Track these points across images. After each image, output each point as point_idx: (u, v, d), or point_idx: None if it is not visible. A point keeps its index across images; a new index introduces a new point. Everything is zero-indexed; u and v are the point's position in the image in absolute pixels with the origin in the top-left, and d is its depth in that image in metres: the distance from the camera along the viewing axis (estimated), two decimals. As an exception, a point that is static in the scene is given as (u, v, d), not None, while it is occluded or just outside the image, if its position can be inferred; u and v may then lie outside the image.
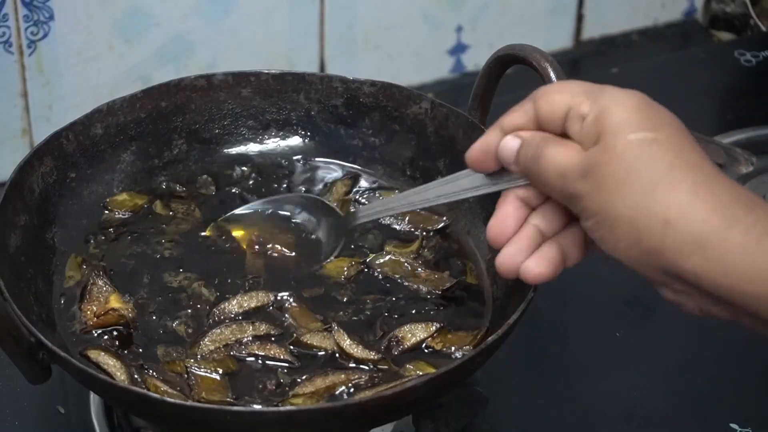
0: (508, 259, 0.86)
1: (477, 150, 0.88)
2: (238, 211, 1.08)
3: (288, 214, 1.07)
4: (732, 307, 0.78)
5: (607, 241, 0.80)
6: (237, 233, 1.07)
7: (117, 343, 0.98)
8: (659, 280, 0.80)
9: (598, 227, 0.80)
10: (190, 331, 0.99)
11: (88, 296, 1.01)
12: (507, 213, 0.86)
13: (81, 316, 1.00)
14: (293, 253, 1.05)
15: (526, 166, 0.84)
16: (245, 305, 1.00)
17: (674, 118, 0.81)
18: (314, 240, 1.06)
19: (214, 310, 1.00)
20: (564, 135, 0.83)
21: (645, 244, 0.78)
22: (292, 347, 0.97)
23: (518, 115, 0.86)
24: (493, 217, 0.87)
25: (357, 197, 1.12)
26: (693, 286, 0.78)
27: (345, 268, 1.04)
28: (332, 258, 1.04)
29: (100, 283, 1.01)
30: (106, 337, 0.98)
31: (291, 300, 1.01)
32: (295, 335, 0.98)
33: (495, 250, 1.05)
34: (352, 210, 1.08)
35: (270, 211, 1.08)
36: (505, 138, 0.86)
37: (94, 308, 1.00)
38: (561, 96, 0.83)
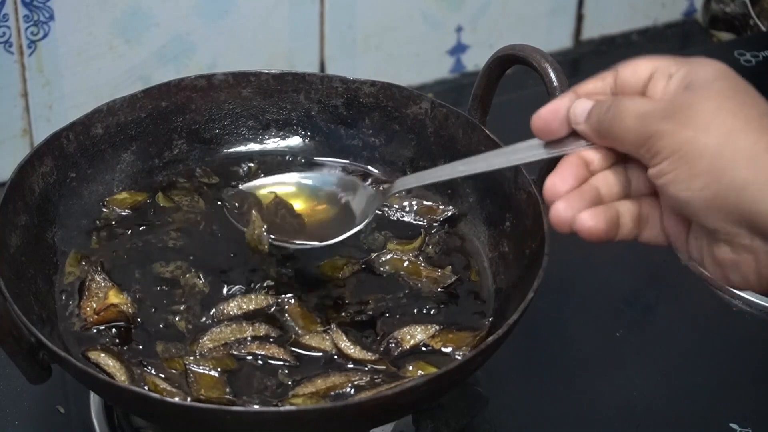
0: (562, 209, 0.83)
1: (546, 111, 0.87)
2: (261, 179, 1.06)
3: (318, 184, 1.06)
4: None
5: (682, 180, 0.78)
6: (260, 193, 1.05)
7: (117, 340, 0.98)
8: (724, 231, 0.79)
9: (675, 166, 0.79)
10: (190, 326, 0.99)
11: (87, 293, 1.01)
12: (568, 170, 0.84)
13: (81, 313, 1.00)
14: (317, 212, 1.04)
15: (599, 117, 0.83)
16: (244, 307, 1.00)
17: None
18: (345, 207, 1.04)
19: (213, 310, 1.00)
20: None
21: (726, 179, 0.77)
22: (290, 347, 0.97)
23: (595, 81, 0.86)
24: (552, 173, 0.85)
25: None
26: (762, 236, 0.77)
27: (345, 267, 1.04)
28: (363, 225, 1.01)
29: (99, 278, 1.01)
30: (106, 333, 0.98)
31: (291, 300, 1.01)
32: (294, 336, 0.98)
33: (496, 250, 1.06)
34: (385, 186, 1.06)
35: (298, 180, 1.06)
36: (578, 100, 0.86)
37: (94, 305, 1.00)
38: (647, 61, 0.84)
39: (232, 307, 1.00)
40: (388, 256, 1.05)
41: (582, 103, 0.85)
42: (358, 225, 1.01)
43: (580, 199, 0.83)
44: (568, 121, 0.86)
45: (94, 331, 0.99)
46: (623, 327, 1.16)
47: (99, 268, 1.02)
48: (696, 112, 0.78)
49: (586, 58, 1.57)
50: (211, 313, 0.99)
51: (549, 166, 0.89)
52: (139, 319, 0.99)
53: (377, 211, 1.04)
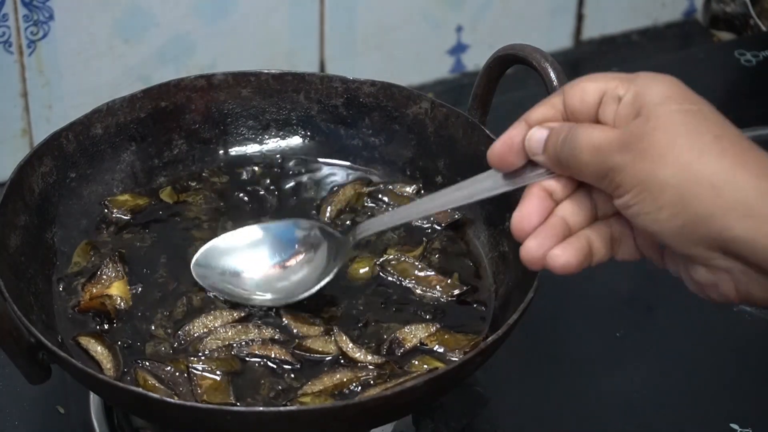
0: (533, 248, 0.83)
1: (500, 145, 0.86)
2: (226, 234, 1.05)
3: (284, 236, 1.04)
4: None
5: (648, 213, 0.78)
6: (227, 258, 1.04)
7: (108, 334, 0.98)
8: (698, 255, 0.79)
9: (638, 199, 0.78)
10: (175, 331, 0.99)
11: (96, 277, 1.02)
12: (532, 204, 0.84)
13: (82, 294, 1.01)
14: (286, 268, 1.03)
15: (556, 151, 0.82)
16: (210, 325, 0.99)
17: (705, 101, 0.81)
18: (312, 261, 1.03)
19: (179, 332, 0.98)
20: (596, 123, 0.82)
21: (692, 210, 0.76)
22: (295, 351, 0.97)
23: (545, 108, 0.85)
24: (517, 209, 0.84)
25: (367, 193, 1.12)
26: (736, 259, 0.77)
27: (370, 268, 1.05)
28: (327, 280, 1.00)
29: (112, 266, 1.02)
30: (98, 321, 0.99)
31: (281, 308, 1.00)
32: (297, 340, 0.98)
33: (496, 250, 1.06)
34: (356, 225, 1.05)
35: (264, 235, 1.04)
36: (531, 129, 0.85)
37: (94, 290, 1.01)
38: (593, 83, 0.83)
39: (198, 326, 0.99)
40: (395, 261, 1.05)
41: (536, 133, 0.84)
42: (329, 274, 1.01)
43: (549, 234, 0.83)
44: (523, 151, 0.85)
45: (90, 315, 0.99)
46: (623, 327, 1.16)
47: (116, 258, 1.03)
48: (650, 144, 0.77)
49: (586, 58, 1.57)
50: (178, 335, 0.98)
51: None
52: (125, 317, 0.99)
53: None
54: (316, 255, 1.03)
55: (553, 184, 0.84)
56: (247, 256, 1.03)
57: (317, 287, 1.00)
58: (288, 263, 1.03)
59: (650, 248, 0.84)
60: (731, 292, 0.79)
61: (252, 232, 1.04)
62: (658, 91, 0.79)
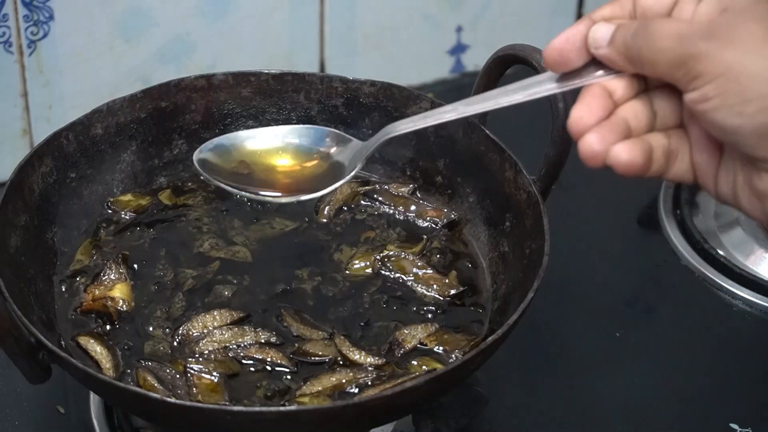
0: (595, 142, 0.77)
1: (560, 40, 0.80)
2: (240, 132, 1.00)
3: (303, 139, 0.99)
4: None
5: (731, 105, 0.73)
6: (234, 157, 0.99)
7: (108, 335, 0.98)
8: None
9: (722, 90, 0.73)
10: (167, 330, 0.99)
11: (99, 279, 1.02)
12: (594, 99, 0.78)
13: (84, 295, 1.01)
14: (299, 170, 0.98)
15: (626, 41, 0.77)
16: (208, 326, 0.99)
17: None
18: (332, 160, 0.98)
19: (178, 331, 0.99)
20: None
21: None
22: (292, 356, 0.97)
23: (612, 7, 0.80)
24: (575, 107, 0.78)
25: (363, 192, 1.12)
26: None
27: (362, 265, 1.05)
28: (351, 175, 0.94)
29: (115, 268, 1.02)
30: (99, 321, 0.99)
31: (281, 308, 1.00)
32: (297, 345, 0.98)
33: (496, 250, 1.06)
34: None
35: (282, 135, 0.99)
36: (596, 24, 0.80)
37: (97, 291, 1.01)
38: None
39: (197, 325, 0.99)
40: (395, 257, 1.05)
41: (602, 26, 0.79)
42: (347, 175, 0.95)
43: (611, 131, 0.77)
44: (586, 48, 0.80)
45: (93, 316, 1.00)
46: (623, 327, 1.16)
47: (119, 260, 1.03)
48: (743, 34, 0.73)
49: (586, 58, 1.57)
50: (178, 332, 0.99)
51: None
52: (126, 319, 1.00)
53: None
54: (333, 158, 0.98)
55: (615, 83, 0.79)
56: (259, 153, 0.99)
57: (330, 188, 0.95)
58: (302, 163, 0.99)
59: (706, 163, 0.79)
60: None
61: (266, 132, 1.00)
62: None
